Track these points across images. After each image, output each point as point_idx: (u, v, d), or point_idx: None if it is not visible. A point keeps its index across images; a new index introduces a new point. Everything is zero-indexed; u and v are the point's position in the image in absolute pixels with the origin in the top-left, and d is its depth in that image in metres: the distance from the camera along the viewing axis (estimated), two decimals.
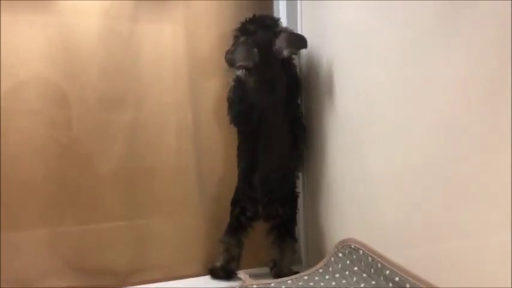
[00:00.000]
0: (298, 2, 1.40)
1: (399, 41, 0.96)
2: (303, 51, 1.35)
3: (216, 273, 1.28)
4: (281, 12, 1.43)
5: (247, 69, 1.19)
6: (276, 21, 1.26)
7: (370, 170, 1.08)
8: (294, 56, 1.30)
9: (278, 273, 1.25)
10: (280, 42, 1.20)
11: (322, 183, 1.29)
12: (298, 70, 1.36)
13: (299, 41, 1.23)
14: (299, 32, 1.38)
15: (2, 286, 1.20)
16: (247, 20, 1.24)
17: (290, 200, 1.29)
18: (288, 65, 1.27)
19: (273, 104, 1.22)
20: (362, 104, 1.10)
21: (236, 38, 1.23)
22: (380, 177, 1.04)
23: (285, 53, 1.20)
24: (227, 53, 1.20)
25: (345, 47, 1.18)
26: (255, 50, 1.17)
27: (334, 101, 1.22)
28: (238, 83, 1.24)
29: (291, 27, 1.38)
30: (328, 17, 1.26)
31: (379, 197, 1.04)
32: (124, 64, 1.33)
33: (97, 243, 1.30)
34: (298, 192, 1.32)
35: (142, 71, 1.34)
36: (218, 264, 1.28)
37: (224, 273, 1.27)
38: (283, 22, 1.41)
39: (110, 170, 1.31)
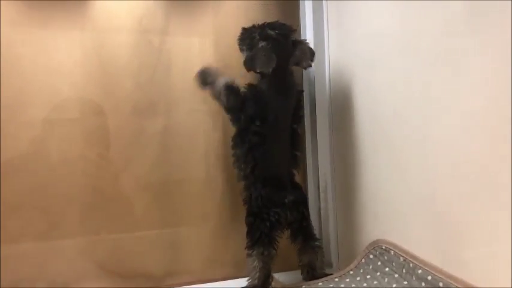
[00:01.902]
0: (324, 3, 1.43)
1: (428, 40, 0.98)
2: (332, 54, 1.41)
3: None
4: (307, 13, 1.47)
5: (262, 74, 1.22)
6: (293, 30, 1.27)
7: (400, 170, 1.09)
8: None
9: (314, 276, 1.25)
10: (300, 53, 1.25)
11: (353, 186, 1.30)
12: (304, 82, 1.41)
13: (312, 54, 1.28)
14: (325, 33, 1.43)
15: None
16: (267, 24, 1.25)
17: (306, 200, 1.29)
18: (298, 92, 1.31)
19: (284, 110, 1.25)
20: (392, 105, 1.12)
21: (252, 39, 1.24)
22: (411, 177, 1.06)
23: (304, 64, 1.26)
24: (248, 57, 1.22)
25: (372, 47, 1.20)
26: (274, 56, 1.20)
27: (365, 103, 1.25)
28: (230, 89, 1.25)
29: (316, 29, 1.45)
30: (354, 17, 1.29)
31: (410, 197, 1.06)
32: (156, 75, 1.39)
33: (131, 249, 1.35)
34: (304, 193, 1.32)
35: (174, 81, 1.40)
36: (256, 282, 1.17)
37: None
38: (309, 23, 1.47)
39: (143, 179, 1.36)
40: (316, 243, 1.28)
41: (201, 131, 1.42)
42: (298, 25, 1.50)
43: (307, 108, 1.47)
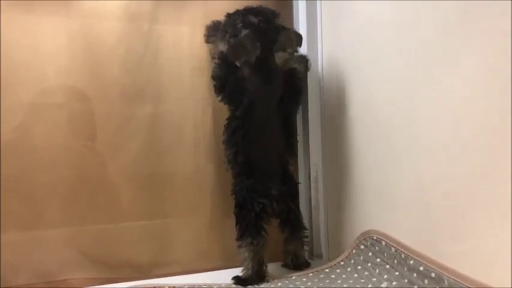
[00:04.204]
0: (318, 2, 1.42)
1: (420, 34, 0.97)
2: (325, 49, 1.39)
3: (251, 281, 1.14)
4: (300, 11, 1.44)
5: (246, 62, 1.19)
6: (276, 15, 1.24)
7: (392, 161, 1.09)
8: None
9: (300, 264, 1.27)
10: (283, 39, 1.22)
11: (344, 176, 1.29)
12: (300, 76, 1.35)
13: (299, 39, 1.25)
14: (318, 32, 1.42)
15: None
16: (249, 10, 1.22)
17: (295, 192, 1.29)
18: (290, 70, 1.29)
19: (267, 97, 1.23)
20: (384, 97, 1.11)
21: (234, 26, 1.21)
22: (402, 167, 1.05)
23: (290, 50, 1.23)
24: (231, 48, 1.20)
25: (364, 42, 1.19)
26: (258, 44, 1.18)
27: (357, 95, 1.24)
28: (223, 59, 1.23)
29: (310, 28, 1.43)
30: (347, 16, 1.28)
31: (402, 187, 1.05)
32: (144, 62, 1.35)
33: (117, 239, 1.31)
34: (299, 183, 1.33)
35: (162, 68, 1.37)
36: (250, 271, 1.15)
37: (259, 278, 1.15)
38: (303, 21, 1.44)
39: (130, 168, 1.33)
40: (304, 233, 1.29)
41: (190, 119, 1.39)
42: (292, 22, 1.47)
43: None
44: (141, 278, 1.27)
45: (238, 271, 1.19)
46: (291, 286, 1.10)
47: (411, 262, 0.96)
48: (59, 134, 1.26)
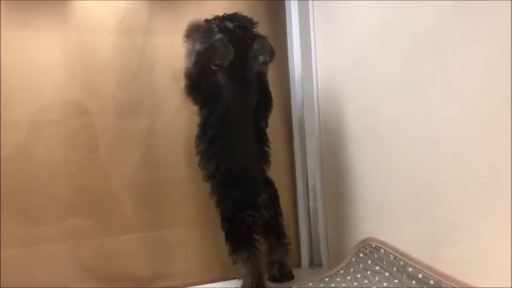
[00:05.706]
0: (310, 2, 1.42)
1: (417, 35, 0.97)
2: (319, 53, 1.39)
3: None
4: (293, 12, 1.45)
5: (220, 66, 1.17)
6: (254, 23, 1.23)
7: (390, 169, 1.09)
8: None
9: (286, 274, 1.25)
10: (257, 47, 1.21)
11: (342, 184, 1.30)
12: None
13: (272, 51, 1.24)
14: (311, 34, 1.42)
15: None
16: (226, 16, 1.22)
17: (278, 197, 1.27)
18: (260, 75, 1.26)
19: (242, 105, 1.21)
20: (381, 101, 1.11)
21: (209, 31, 1.20)
22: (400, 174, 1.05)
23: (261, 59, 1.21)
24: (203, 49, 1.17)
25: (359, 44, 1.19)
26: (231, 48, 1.16)
27: (353, 100, 1.24)
28: (200, 58, 1.20)
29: (303, 28, 1.43)
30: (341, 16, 1.28)
31: (400, 195, 1.05)
32: (139, 74, 1.36)
33: (118, 252, 1.32)
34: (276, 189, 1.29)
35: (158, 80, 1.38)
36: (250, 286, 1.13)
37: None
38: (295, 22, 1.45)
39: (129, 181, 1.34)
40: (288, 240, 1.27)
41: (187, 130, 1.39)
42: (284, 24, 1.48)
43: (295, 106, 1.46)
44: None
45: (239, 282, 1.18)
46: None
47: (410, 269, 0.96)
48: (58, 149, 1.27)
